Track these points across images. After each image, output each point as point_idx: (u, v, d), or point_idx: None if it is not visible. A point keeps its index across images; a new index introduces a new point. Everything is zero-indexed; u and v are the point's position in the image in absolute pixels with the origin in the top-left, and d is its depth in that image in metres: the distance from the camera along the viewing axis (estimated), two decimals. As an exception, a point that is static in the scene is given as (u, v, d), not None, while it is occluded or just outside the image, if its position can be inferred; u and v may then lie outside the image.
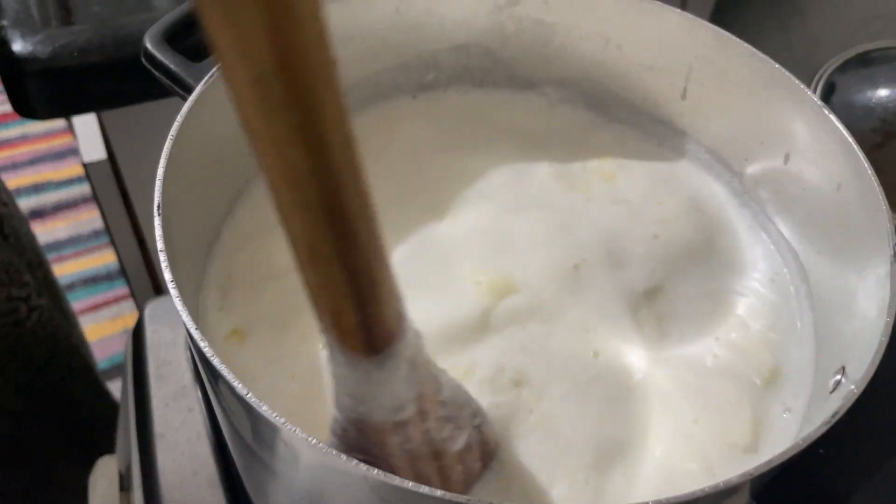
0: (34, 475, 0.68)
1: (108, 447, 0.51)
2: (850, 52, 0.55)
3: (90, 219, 1.51)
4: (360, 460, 0.21)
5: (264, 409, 0.22)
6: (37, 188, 1.55)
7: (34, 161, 1.61)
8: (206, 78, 0.32)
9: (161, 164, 0.29)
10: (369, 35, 0.39)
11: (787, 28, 0.85)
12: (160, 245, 0.26)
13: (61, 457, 0.71)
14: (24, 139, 1.64)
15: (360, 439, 0.24)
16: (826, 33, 0.81)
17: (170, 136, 0.30)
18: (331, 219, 0.18)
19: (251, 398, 0.22)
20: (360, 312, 0.20)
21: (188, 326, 0.24)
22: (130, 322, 1.35)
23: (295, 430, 0.22)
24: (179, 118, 0.30)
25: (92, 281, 1.41)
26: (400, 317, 0.22)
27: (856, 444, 0.25)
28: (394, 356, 0.22)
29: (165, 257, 0.26)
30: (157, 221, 0.27)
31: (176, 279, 0.25)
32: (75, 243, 1.47)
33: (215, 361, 0.23)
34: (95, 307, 1.36)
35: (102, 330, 1.34)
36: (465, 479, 0.27)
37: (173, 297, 0.25)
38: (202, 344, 0.24)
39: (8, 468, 0.66)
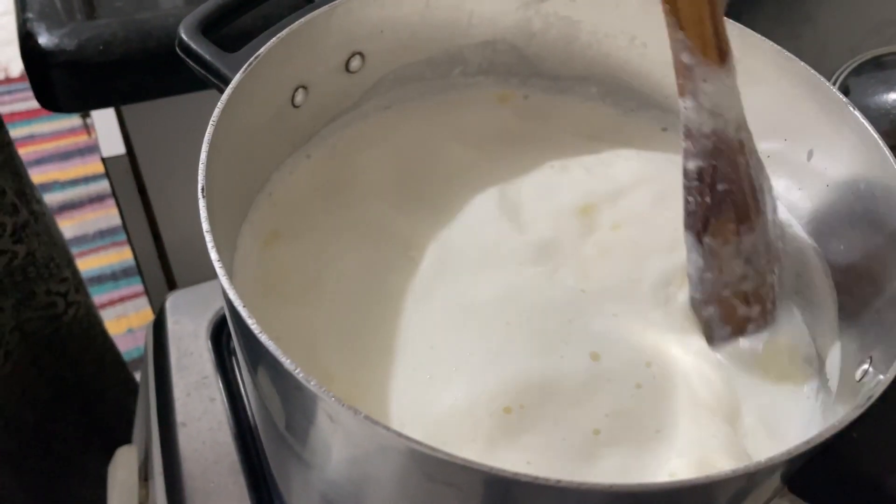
0: (59, 464, 0.69)
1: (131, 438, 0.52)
2: (865, 55, 0.55)
3: (96, 218, 1.52)
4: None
5: (313, 384, 0.23)
6: (43, 188, 1.55)
7: (41, 161, 1.61)
8: (243, 67, 0.33)
9: (203, 149, 0.29)
10: (400, 28, 0.39)
11: (797, 35, 0.86)
12: (205, 226, 0.27)
13: (88, 448, 0.72)
14: (31, 139, 1.64)
15: (714, 155, 0.32)
16: (836, 41, 0.82)
17: (211, 123, 0.30)
18: None
19: (300, 373, 0.23)
20: (713, 27, 0.29)
21: (236, 305, 0.25)
22: (136, 321, 1.36)
23: (342, 404, 0.22)
24: (220, 105, 0.31)
25: (97, 280, 1.41)
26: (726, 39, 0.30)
27: (888, 429, 0.25)
28: (733, 66, 0.30)
29: (211, 238, 0.26)
30: (201, 203, 0.27)
31: (223, 261, 0.26)
32: (81, 243, 1.47)
33: (263, 338, 0.24)
34: (101, 306, 1.36)
35: (108, 329, 1.34)
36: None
37: (221, 280, 0.25)
38: (250, 321, 0.24)
39: (34, 456, 0.66)
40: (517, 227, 0.38)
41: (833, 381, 0.33)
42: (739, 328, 0.34)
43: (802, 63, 0.36)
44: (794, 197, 0.39)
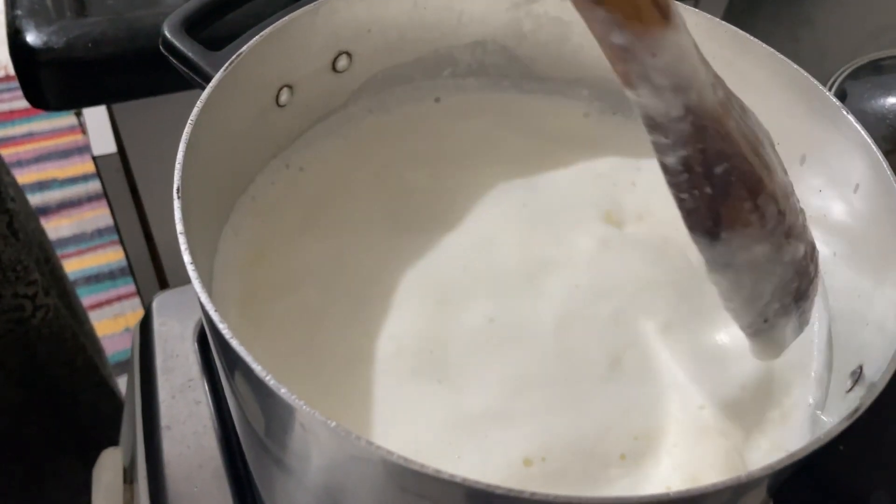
0: (33, 469, 0.68)
1: (111, 443, 0.51)
2: (863, 59, 0.55)
3: (94, 217, 1.51)
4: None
5: (283, 392, 0.22)
6: (41, 186, 1.55)
7: (39, 159, 1.61)
8: (225, 66, 0.32)
9: (181, 149, 0.29)
10: (388, 28, 0.39)
11: (796, 38, 0.85)
12: (179, 228, 0.26)
13: (61, 452, 0.71)
14: (29, 136, 1.64)
15: (697, 137, 0.25)
16: (835, 44, 0.81)
17: (189, 122, 0.29)
18: None
19: (271, 380, 0.22)
20: None
21: (208, 310, 0.24)
22: (132, 320, 1.36)
23: (314, 413, 0.22)
24: (199, 104, 0.30)
25: (95, 279, 1.41)
26: None
27: (875, 442, 0.25)
28: (679, 15, 0.23)
29: (185, 240, 0.26)
30: (176, 205, 0.27)
31: (196, 263, 0.25)
32: (79, 241, 1.47)
33: (234, 343, 0.23)
34: (98, 305, 1.36)
35: (104, 328, 1.34)
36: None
37: (193, 281, 0.25)
38: (221, 326, 0.24)
39: (6, 461, 0.65)
40: (521, 244, 0.37)
41: (823, 393, 0.32)
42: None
43: (795, 66, 0.35)
44: (786, 202, 0.38)
